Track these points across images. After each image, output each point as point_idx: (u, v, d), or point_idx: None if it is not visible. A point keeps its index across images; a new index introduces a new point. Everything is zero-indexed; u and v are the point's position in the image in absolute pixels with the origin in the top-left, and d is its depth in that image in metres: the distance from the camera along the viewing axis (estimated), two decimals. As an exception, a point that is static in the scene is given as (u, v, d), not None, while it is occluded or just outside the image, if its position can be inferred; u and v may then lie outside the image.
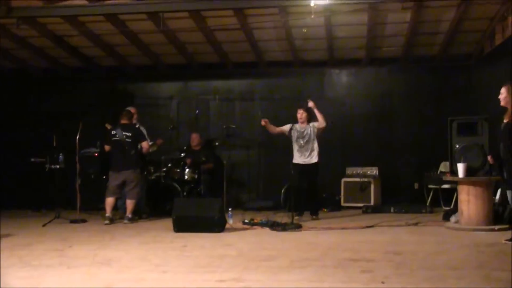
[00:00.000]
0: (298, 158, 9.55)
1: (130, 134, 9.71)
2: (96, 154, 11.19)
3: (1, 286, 4.26)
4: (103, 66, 12.71)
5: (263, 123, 9.70)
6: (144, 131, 10.41)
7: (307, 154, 9.52)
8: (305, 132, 9.57)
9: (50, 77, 12.97)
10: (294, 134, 9.63)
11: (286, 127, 9.74)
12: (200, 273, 5.27)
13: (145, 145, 9.88)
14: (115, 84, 13.07)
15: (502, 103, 6.86)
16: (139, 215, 9.97)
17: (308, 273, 5.17)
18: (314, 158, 9.55)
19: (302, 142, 9.53)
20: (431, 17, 10.00)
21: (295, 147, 9.64)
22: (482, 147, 8.32)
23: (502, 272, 5.06)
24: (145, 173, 10.53)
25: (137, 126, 10.29)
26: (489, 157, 7.64)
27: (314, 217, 9.59)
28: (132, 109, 10.32)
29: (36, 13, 9.64)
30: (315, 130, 9.57)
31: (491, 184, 8.15)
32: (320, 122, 9.54)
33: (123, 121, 9.85)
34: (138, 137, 9.82)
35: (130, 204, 9.62)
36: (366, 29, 10.39)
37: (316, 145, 9.58)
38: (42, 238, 7.84)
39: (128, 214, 9.57)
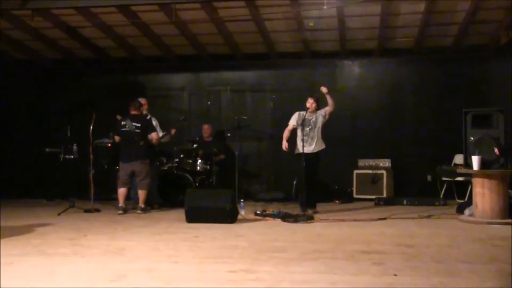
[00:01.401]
0: (301, 147, 9.15)
1: (139, 125, 9.72)
2: (109, 145, 11.24)
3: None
4: (114, 58, 12.73)
5: (284, 147, 9.37)
6: (156, 122, 10.45)
7: (310, 141, 9.20)
8: (311, 120, 9.32)
9: (63, 68, 13.01)
10: (300, 122, 9.29)
11: (293, 120, 9.47)
12: (211, 264, 5.28)
13: (154, 135, 9.88)
14: (127, 76, 13.10)
15: None
16: (151, 205, 10.03)
17: (319, 265, 5.16)
18: (315, 147, 9.25)
19: (307, 129, 9.21)
20: (445, 8, 9.90)
21: (299, 135, 9.32)
22: (497, 140, 8.26)
23: (516, 266, 5.03)
24: (157, 163, 10.57)
25: (148, 117, 10.32)
26: (495, 150, 7.56)
27: (312, 210, 9.12)
28: (142, 100, 10.33)
29: (50, 4, 9.66)
30: (323, 117, 9.34)
31: (506, 177, 8.07)
32: (330, 105, 9.27)
33: (133, 112, 9.85)
34: (147, 128, 9.82)
35: (141, 194, 9.67)
36: (378, 19, 10.33)
37: (320, 133, 9.33)
38: (56, 227, 7.91)
39: (141, 204, 9.62)
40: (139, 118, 9.84)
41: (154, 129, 9.95)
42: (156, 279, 4.67)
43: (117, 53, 12.48)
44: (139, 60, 12.77)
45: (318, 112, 9.40)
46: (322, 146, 9.37)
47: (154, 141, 9.91)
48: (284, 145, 9.34)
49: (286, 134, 9.45)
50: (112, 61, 12.84)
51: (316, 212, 9.12)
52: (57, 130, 10.91)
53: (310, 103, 9.34)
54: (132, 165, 9.69)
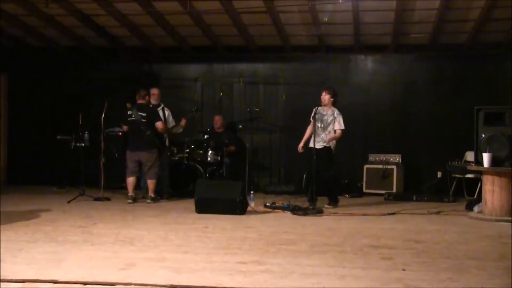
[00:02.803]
0: (311, 142, 9.09)
1: (145, 114, 9.73)
2: (121, 134, 11.28)
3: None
4: (128, 46, 12.74)
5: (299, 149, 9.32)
6: (168, 113, 10.46)
7: (319, 139, 9.08)
8: (325, 117, 9.22)
9: (77, 56, 13.05)
10: (313, 116, 9.11)
11: (312, 115, 9.22)
12: (220, 255, 5.31)
13: (159, 125, 9.85)
14: (140, 65, 13.12)
15: None
16: (160, 195, 10.06)
17: (328, 258, 5.18)
18: (324, 143, 9.12)
19: (319, 125, 9.10)
20: (461, 4, 9.84)
21: (310, 130, 9.27)
22: (509, 137, 8.22)
23: (524, 264, 5.02)
24: (168, 153, 10.59)
25: (161, 107, 10.36)
26: None
27: (328, 205, 9.19)
28: (154, 90, 10.38)
29: (65, -9, 9.71)
30: (335, 123, 9.18)
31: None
32: (337, 134, 9.19)
33: (139, 101, 9.87)
34: (153, 117, 9.82)
35: (150, 184, 9.70)
36: (393, 15, 10.27)
37: (332, 132, 9.19)
38: (66, 215, 7.98)
39: (150, 193, 9.67)
40: (145, 107, 9.85)
41: (159, 118, 9.94)
42: (166, 269, 4.71)
43: (131, 42, 12.48)
44: (153, 50, 12.78)
45: (336, 112, 9.27)
46: (329, 144, 9.19)
47: (159, 130, 9.88)
48: (300, 146, 9.30)
49: (308, 132, 9.37)
50: (126, 50, 12.85)
51: (331, 207, 9.12)
52: (69, 117, 10.92)
53: (323, 95, 9.29)
54: (138, 155, 9.72)
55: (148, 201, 9.57)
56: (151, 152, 9.74)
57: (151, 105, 10.14)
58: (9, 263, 4.77)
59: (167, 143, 10.42)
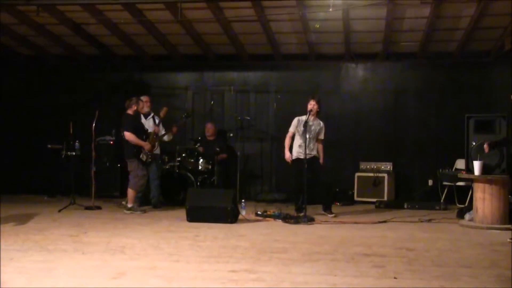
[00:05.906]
0: (300, 153, 9.05)
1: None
2: (112, 142, 11.24)
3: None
4: (119, 55, 12.74)
5: (288, 158, 9.26)
6: (158, 120, 10.40)
7: (311, 147, 9.13)
8: (313, 127, 9.20)
9: (68, 64, 13.04)
10: (300, 127, 9.10)
11: (293, 127, 9.32)
12: (212, 263, 5.29)
13: (126, 135, 9.56)
14: (131, 73, 13.12)
15: None
16: (150, 203, 10.08)
17: (320, 267, 5.17)
18: (314, 151, 9.21)
19: (308, 135, 8.97)
20: (451, 13, 9.91)
21: (298, 141, 9.20)
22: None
23: (516, 271, 5.03)
24: (160, 162, 10.53)
25: (151, 115, 10.32)
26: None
27: (325, 212, 9.24)
28: (144, 98, 10.32)
29: (56, 0, 9.68)
30: (321, 133, 9.32)
31: (507, 183, 8.07)
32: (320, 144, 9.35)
33: (128, 111, 9.70)
34: (122, 127, 9.70)
35: (128, 192, 9.56)
36: (384, 23, 10.33)
37: (316, 145, 9.31)
38: (57, 224, 7.94)
39: (128, 203, 9.50)
40: (122, 117, 9.72)
41: (126, 129, 9.58)
42: (157, 277, 4.69)
43: (122, 51, 12.49)
44: (144, 58, 12.78)
45: (321, 123, 9.35)
46: (317, 155, 9.31)
47: (126, 139, 9.61)
48: (288, 155, 9.24)
49: (287, 142, 9.34)
50: (117, 59, 12.85)
51: (335, 216, 9.12)
52: (60, 126, 10.89)
53: (312, 104, 9.19)
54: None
55: (125, 211, 9.38)
56: (129, 161, 9.65)
57: (149, 114, 10.08)
58: (-1, 272, 4.74)
59: (158, 151, 10.35)
